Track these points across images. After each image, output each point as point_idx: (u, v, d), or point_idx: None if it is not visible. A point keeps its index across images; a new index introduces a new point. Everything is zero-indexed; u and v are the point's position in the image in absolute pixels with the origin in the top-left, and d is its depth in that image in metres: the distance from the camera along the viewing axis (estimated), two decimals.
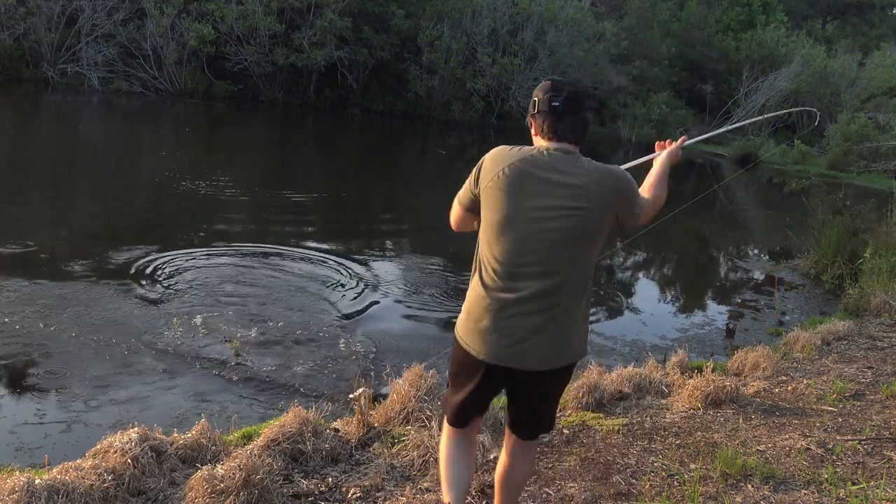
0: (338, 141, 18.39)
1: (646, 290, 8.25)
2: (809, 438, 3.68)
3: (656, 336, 6.21)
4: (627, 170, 2.31)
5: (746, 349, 5.18)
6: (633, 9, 29.46)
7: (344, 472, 3.05)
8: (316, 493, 2.87)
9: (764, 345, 5.36)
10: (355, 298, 6.13)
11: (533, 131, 2.28)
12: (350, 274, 6.77)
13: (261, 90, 22.45)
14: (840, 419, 4.00)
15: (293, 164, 13.88)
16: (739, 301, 7.95)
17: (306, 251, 7.37)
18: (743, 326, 6.97)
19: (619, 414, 3.94)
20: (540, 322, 2.15)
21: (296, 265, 6.87)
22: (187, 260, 6.55)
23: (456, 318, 2.34)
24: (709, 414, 4.00)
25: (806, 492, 3.10)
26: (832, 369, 4.94)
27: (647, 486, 3.08)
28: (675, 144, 2.78)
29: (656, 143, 2.85)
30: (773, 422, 3.94)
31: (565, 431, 3.64)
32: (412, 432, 3.29)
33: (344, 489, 2.90)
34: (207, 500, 2.61)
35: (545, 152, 2.19)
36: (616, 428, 3.70)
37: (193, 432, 3.09)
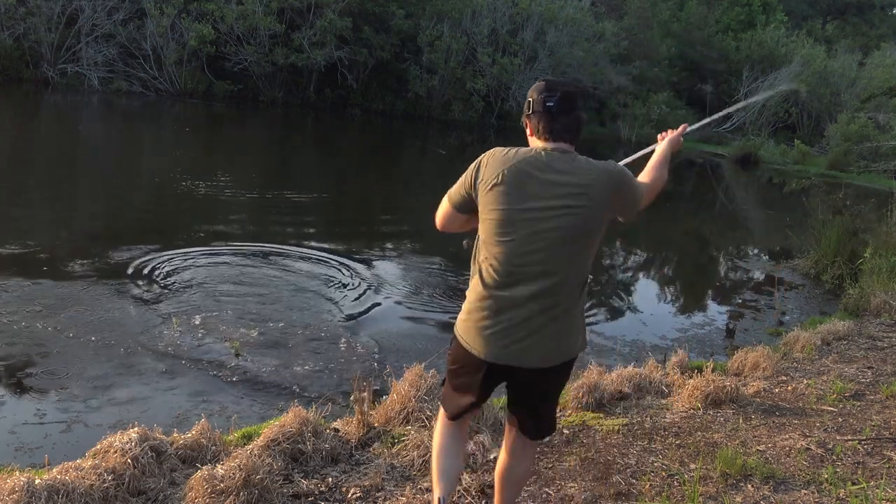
0: (338, 141, 18.38)
1: (646, 290, 8.25)
2: (809, 438, 3.68)
3: (656, 336, 6.21)
4: (628, 164, 2.32)
5: (746, 349, 5.17)
6: (633, 9, 29.45)
7: (344, 472, 3.05)
8: (316, 493, 2.87)
9: (764, 345, 5.36)
10: (356, 299, 6.13)
11: (528, 132, 2.30)
12: (350, 274, 6.77)
13: (261, 90, 22.44)
14: (840, 419, 4.00)
15: (293, 164, 13.88)
16: (739, 301, 7.95)
17: (306, 251, 7.37)
18: (743, 326, 6.97)
19: (619, 414, 3.94)
20: (540, 322, 2.17)
21: (296, 265, 6.86)
22: (187, 260, 6.55)
23: (455, 318, 2.35)
24: (709, 414, 4.00)
25: (806, 492, 3.10)
26: (832, 369, 4.94)
27: (647, 486, 3.08)
28: (676, 132, 2.80)
29: (658, 135, 2.86)
30: (773, 422, 3.94)
31: (565, 431, 3.64)
32: (412, 432, 3.29)
33: (344, 489, 2.91)
34: (207, 500, 2.61)
35: (543, 153, 2.20)
36: (616, 428, 3.70)
37: (193, 432, 3.09)
